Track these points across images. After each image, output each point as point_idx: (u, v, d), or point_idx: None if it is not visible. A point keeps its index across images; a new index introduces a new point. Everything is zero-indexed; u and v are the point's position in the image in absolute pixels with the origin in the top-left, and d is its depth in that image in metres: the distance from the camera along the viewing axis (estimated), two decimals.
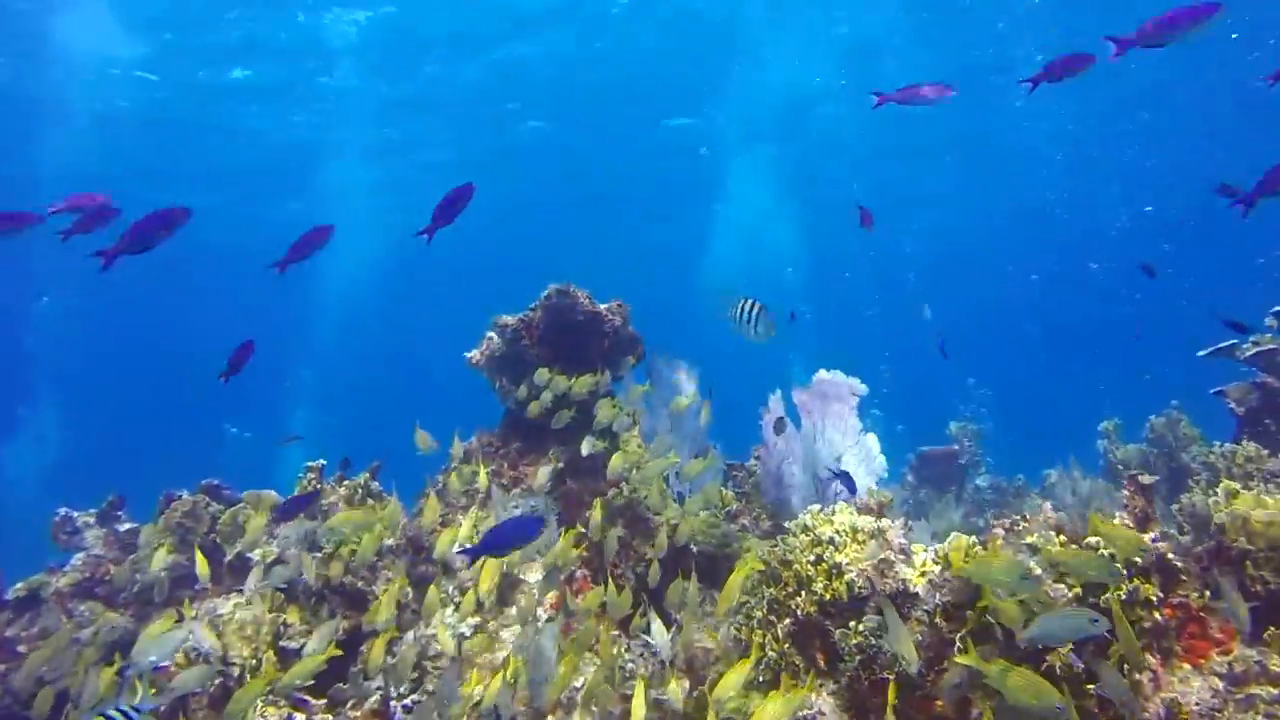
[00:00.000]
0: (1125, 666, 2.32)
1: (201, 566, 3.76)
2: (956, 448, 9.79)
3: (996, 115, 14.80)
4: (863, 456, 4.81)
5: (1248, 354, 4.63)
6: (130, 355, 21.84)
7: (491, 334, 5.16)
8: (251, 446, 22.29)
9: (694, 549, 4.15)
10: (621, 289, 4.94)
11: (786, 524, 4.45)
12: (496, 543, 2.77)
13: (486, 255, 20.54)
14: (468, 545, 3.59)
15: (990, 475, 9.84)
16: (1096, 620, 2.14)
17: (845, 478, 4.18)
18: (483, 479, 4.36)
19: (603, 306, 4.61)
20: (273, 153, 15.43)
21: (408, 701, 3.46)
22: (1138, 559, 2.51)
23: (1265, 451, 4.09)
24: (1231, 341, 4.95)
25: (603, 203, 18.75)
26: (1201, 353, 5.23)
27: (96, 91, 12.94)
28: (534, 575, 3.94)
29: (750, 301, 3.13)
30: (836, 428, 4.76)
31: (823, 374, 5.00)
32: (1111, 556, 2.47)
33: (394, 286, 22.13)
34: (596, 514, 3.96)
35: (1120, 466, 7.89)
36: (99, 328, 20.06)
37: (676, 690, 3.21)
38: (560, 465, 4.53)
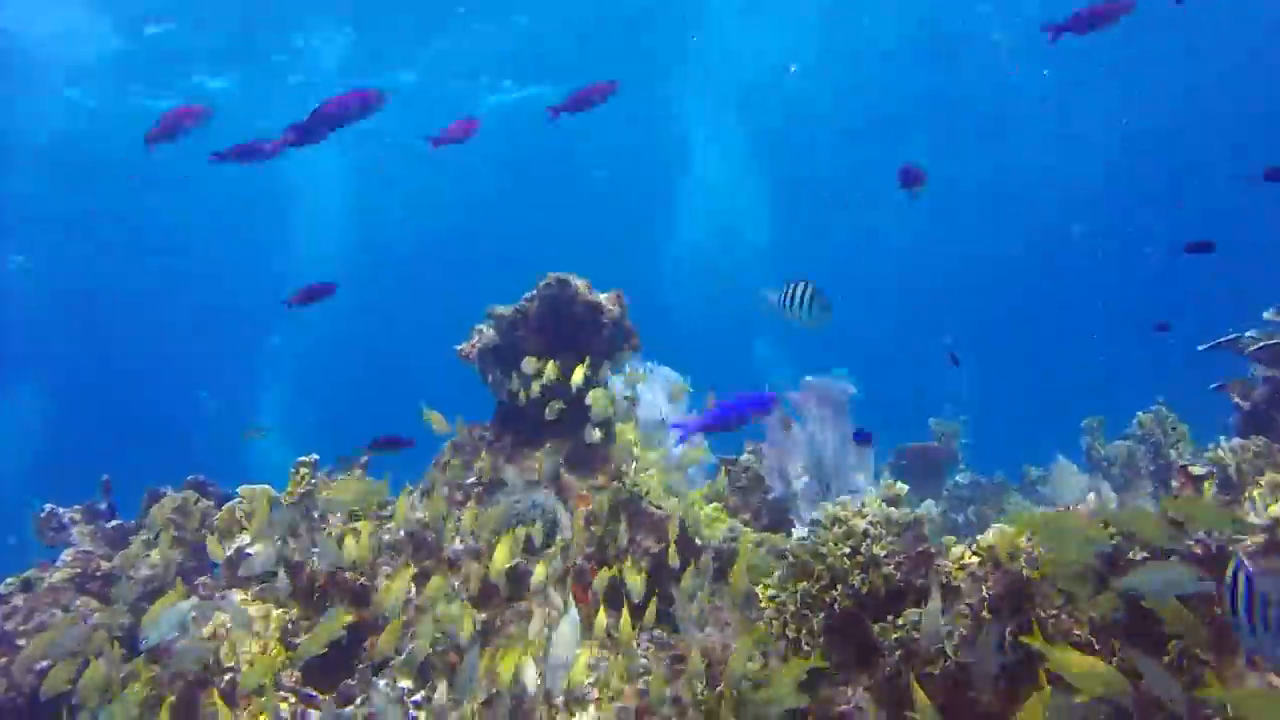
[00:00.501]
0: (1184, 661, 2.27)
1: (214, 547, 3.66)
2: (937, 444, 9.80)
3: (974, 81, 14.68)
4: (858, 456, 4.78)
5: (1252, 348, 4.63)
6: (105, 326, 21.28)
7: (482, 326, 5.05)
8: (226, 415, 22.06)
9: (699, 543, 4.06)
10: (586, 269, 4.85)
11: (799, 519, 4.40)
12: (726, 416, 2.55)
13: (450, 238, 20.33)
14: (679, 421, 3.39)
15: (970, 472, 9.87)
16: (1202, 578, 2.07)
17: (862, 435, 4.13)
18: (485, 468, 4.26)
19: (602, 296, 4.50)
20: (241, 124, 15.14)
21: (418, 698, 3.35)
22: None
23: (1278, 446, 4.09)
24: (1234, 335, 4.95)
25: (567, 183, 18.52)
26: (1202, 346, 5.24)
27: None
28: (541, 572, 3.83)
29: (801, 284, 3.00)
30: (835, 427, 4.73)
31: (810, 379, 4.98)
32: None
33: (365, 272, 21.87)
34: (603, 504, 3.89)
35: (1105, 463, 7.94)
36: (74, 293, 19.41)
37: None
38: (560, 459, 4.43)
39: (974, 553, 2.69)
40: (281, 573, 3.70)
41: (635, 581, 3.53)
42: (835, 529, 2.85)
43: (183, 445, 24.38)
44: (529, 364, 4.47)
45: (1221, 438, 5.27)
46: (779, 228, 18.90)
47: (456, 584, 3.71)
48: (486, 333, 4.82)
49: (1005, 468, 9.55)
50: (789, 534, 4.29)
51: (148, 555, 4.03)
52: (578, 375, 4.37)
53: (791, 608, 2.81)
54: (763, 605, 3.33)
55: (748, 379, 4.89)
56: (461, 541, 3.89)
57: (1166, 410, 7.62)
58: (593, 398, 4.33)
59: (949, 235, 20.72)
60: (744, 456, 5.66)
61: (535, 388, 4.31)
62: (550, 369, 4.40)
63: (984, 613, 2.49)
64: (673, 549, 3.82)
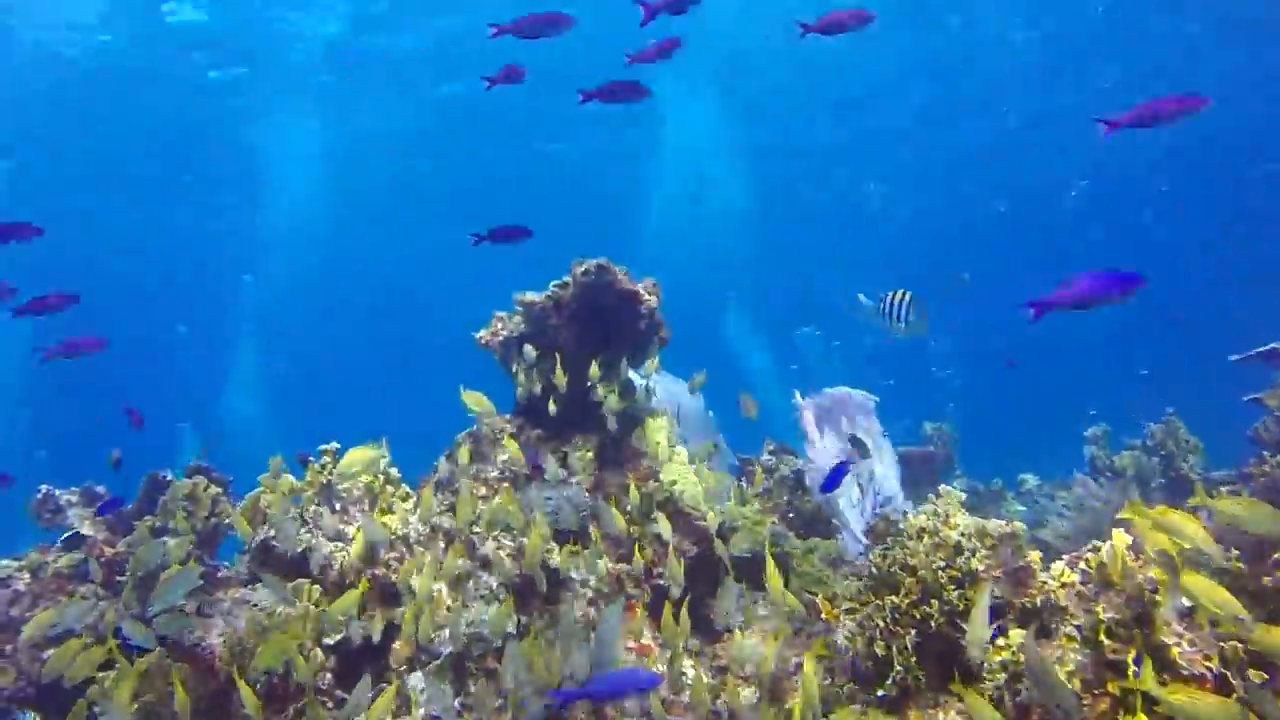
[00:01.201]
0: None
1: (242, 524, 3.43)
2: (933, 449, 9.70)
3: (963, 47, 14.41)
4: (885, 463, 4.67)
5: None
6: (86, 258, 20.79)
7: (503, 314, 4.84)
8: (202, 346, 21.57)
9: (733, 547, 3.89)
10: (561, 248, 4.67)
11: (845, 526, 4.25)
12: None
13: (423, 209, 20.00)
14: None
15: (966, 478, 9.79)
16: None
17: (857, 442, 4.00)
18: (514, 450, 4.05)
19: (639, 285, 4.31)
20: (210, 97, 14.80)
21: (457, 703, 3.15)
22: None
23: None
24: (1272, 346, 4.87)
25: (538, 158, 18.23)
26: (1234, 357, 5.16)
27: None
28: (579, 574, 3.64)
29: (899, 292, 2.87)
30: (865, 434, 4.60)
31: (831, 390, 4.87)
32: None
33: (337, 231, 21.50)
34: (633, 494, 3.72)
35: (1110, 474, 7.86)
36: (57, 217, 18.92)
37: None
38: (591, 454, 4.23)
39: (1079, 568, 2.55)
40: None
41: (677, 572, 3.37)
42: (925, 540, 2.69)
43: (162, 375, 23.73)
44: (529, 353, 4.30)
45: (1265, 452, 5.20)
46: (755, 197, 18.67)
47: (495, 584, 3.51)
48: (511, 320, 4.61)
49: (994, 472, 9.47)
50: (832, 539, 4.14)
51: (164, 545, 3.79)
52: (593, 370, 4.19)
53: (881, 623, 2.65)
54: (831, 617, 3.18)
55: (719, 349, 4.75)
56: (496, 539, 3.69)
57: (1178, 421, 7.56)
58: (606, 398, 4.15)
59: (933, 209, 20.40)
60: (764, 457, 5.51)
61: (534, 382, 4.12)
62: (594, 370, 4.21)
63: (1100, 637, 2.34)
64: (720, 544, 3.65)
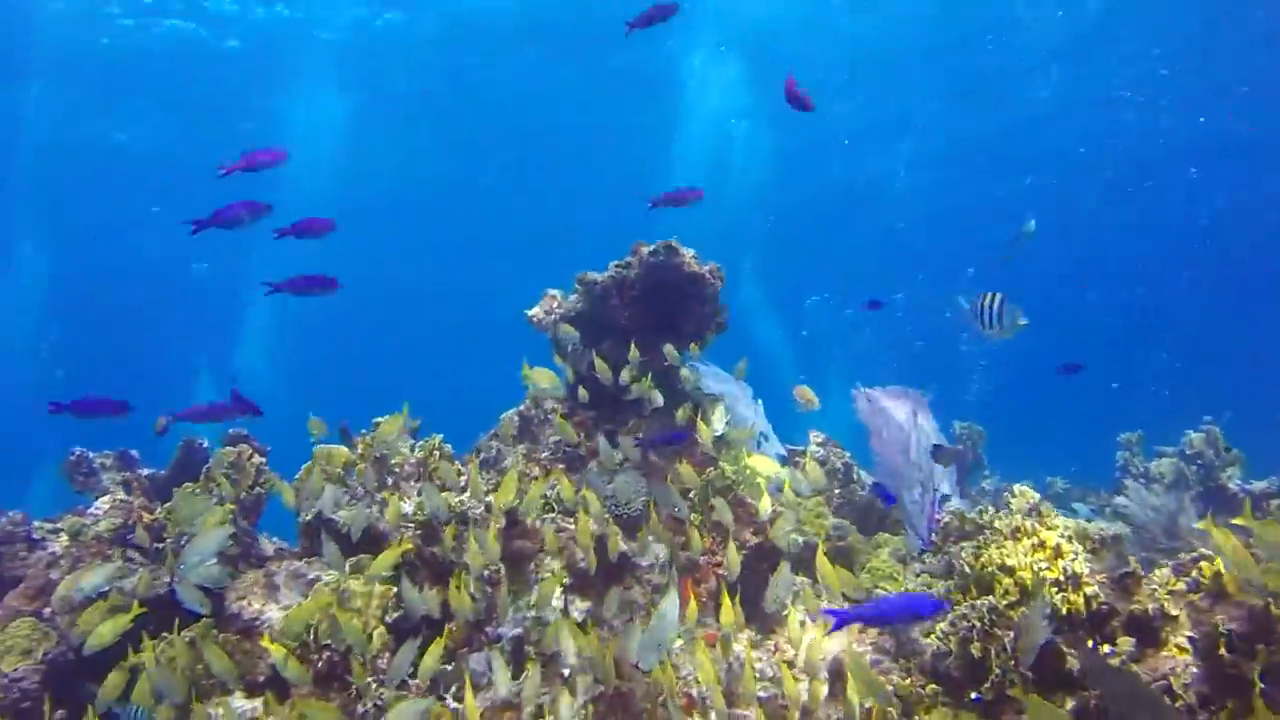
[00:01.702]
0: None
1: (288, 494, 3.36)
2: (962, 448, 9.59)
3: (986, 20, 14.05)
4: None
5: None
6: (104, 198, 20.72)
7: (555, 291, 4.74)
8: (217, 281, 21.42)
9: (790, 541, 3.79)
10: (578, 231, 4.60)
11: (909, 523, 4.16)
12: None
13: (442, 180, 19.87)
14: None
15: (994, 478, 9.68)
16: None
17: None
18: (568, 431, 3.96)
19: (705, 268, 4.20)
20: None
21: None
22: None
23: None
24: None
25: (555, 138, 18.08)
26: None
27: None
28: (644, 559, 3.56)
29: (991, 295, 2.78)
30: (915, 435, 4.49)
31: (883, 389, 4.78)
32: None
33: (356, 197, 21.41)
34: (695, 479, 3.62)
35: (1147, 480, 7.75)
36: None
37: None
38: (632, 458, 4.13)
39: (1188, 577, 2.45)
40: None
41: (734, 559, 3.29)
42: (1023, 540, 2.60)
43: (177, 311, 23.55)
44: (566, 330, 4.23)
45: None
46: (777, 169, 18.46)
47: (557, 566, 3.43)
48: (568, 300, 4.50)
49: (1020, 474, 9.37)
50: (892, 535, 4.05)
51: (204, 505, 3.71)
52: (634, 353, 4.09)
53: (977, 623, 2.56)
54: None
55: (737, 322, 4.64)
56: (555, 521, 3.60)
57: (1217, 430, 7.45)
58: (641, 388, 4.04)
59: (954, 187, 20.07)
60: (813, 448, 5.42)
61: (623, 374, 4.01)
62: (633, 353, 4.11)
63: (1220, 650, 2.24)
64: (777, 530, 3.56)
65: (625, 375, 3.99)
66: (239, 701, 3.11)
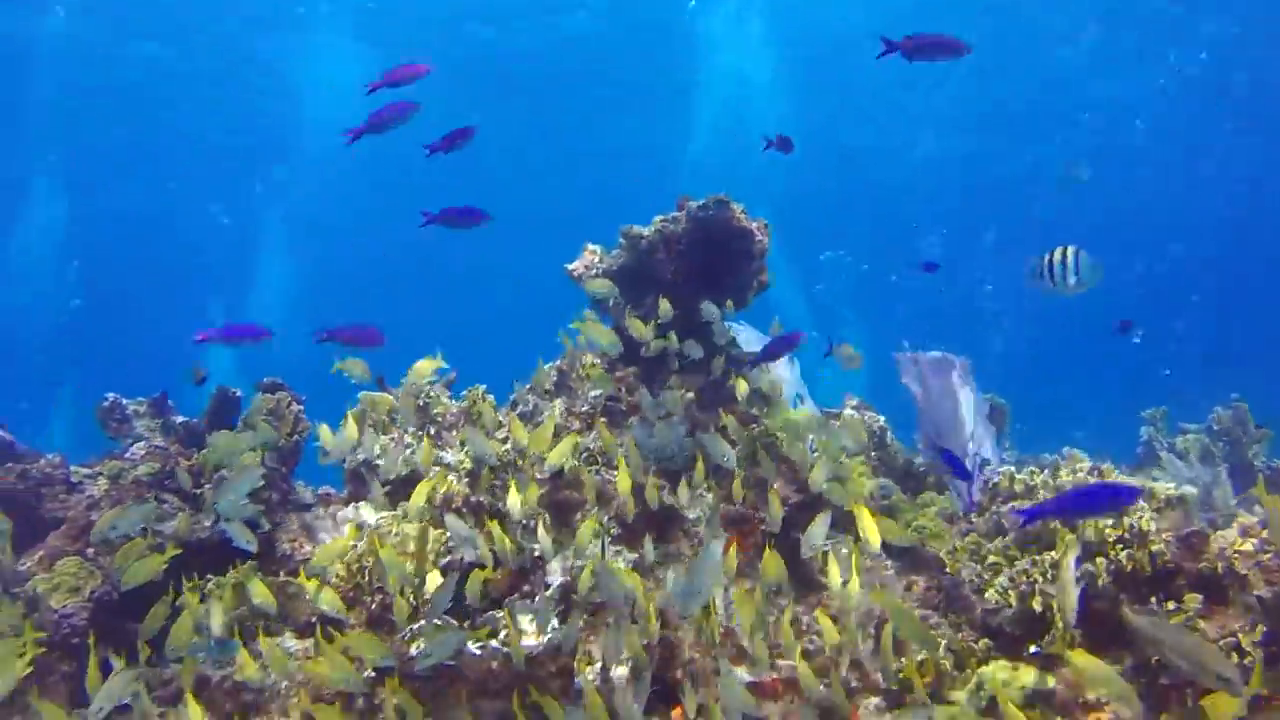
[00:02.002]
0: None
1: (326, 436, 3.36)
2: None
3: None
4: (983, 424, 4.55)
5: None
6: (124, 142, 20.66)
7: (595, 246, 4.71)
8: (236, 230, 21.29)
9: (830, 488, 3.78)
10: (595, 195, 4.55)
11: (952, 485, 4.15)
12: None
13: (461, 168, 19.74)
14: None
15: (1015, 450, 9.65)
16: None
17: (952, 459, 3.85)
18: (607, 382, 3.93)
19: (754, 224, 4.16)
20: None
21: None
22: None
23: None
24: None
25: (579, 92, 17.92)
26: None
27: None
28: (691, 512, 3.56)
29: (1064, 249, 2.72)
30: (963, 399, 4.47)
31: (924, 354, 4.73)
32: None
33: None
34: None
35: (1173, 455, 7.71)
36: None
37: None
38: (690, 395, 4.12)
39: (1254, 538, 2.44)
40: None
41: (776, 511, 3.29)
42: None
43: (193, 257, 23.54)
44: (599, 286, 4.20)
45: None
46: (798, 131, 18.23)
47: (605, 517, 3.43)
48: (609, 255, 4.47)
49: (1040, 445, 9.32)
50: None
51: (243, 442, 3.72)
52: (664, 307, 4.07)
53: (1039, 578, 2.55)
54: (954, 570, 3.09)
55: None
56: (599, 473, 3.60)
57: (1244, 407, 7.40)
58: (660, 344, 4.01)
59: (980, 154, 19.75)
60: (847, 411, 5.40)
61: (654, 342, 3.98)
62: (664, 307, 4.09)
63: None
64: (816, 477, 3.53)
65: (647, 333, 3.93)
66: (289, 642, 3.14)
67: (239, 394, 5.39)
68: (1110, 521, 2.53)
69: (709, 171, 18.79)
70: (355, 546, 3.10)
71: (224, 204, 22.10)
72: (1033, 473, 3.29)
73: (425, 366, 3.90)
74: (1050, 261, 2.74)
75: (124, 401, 5.16)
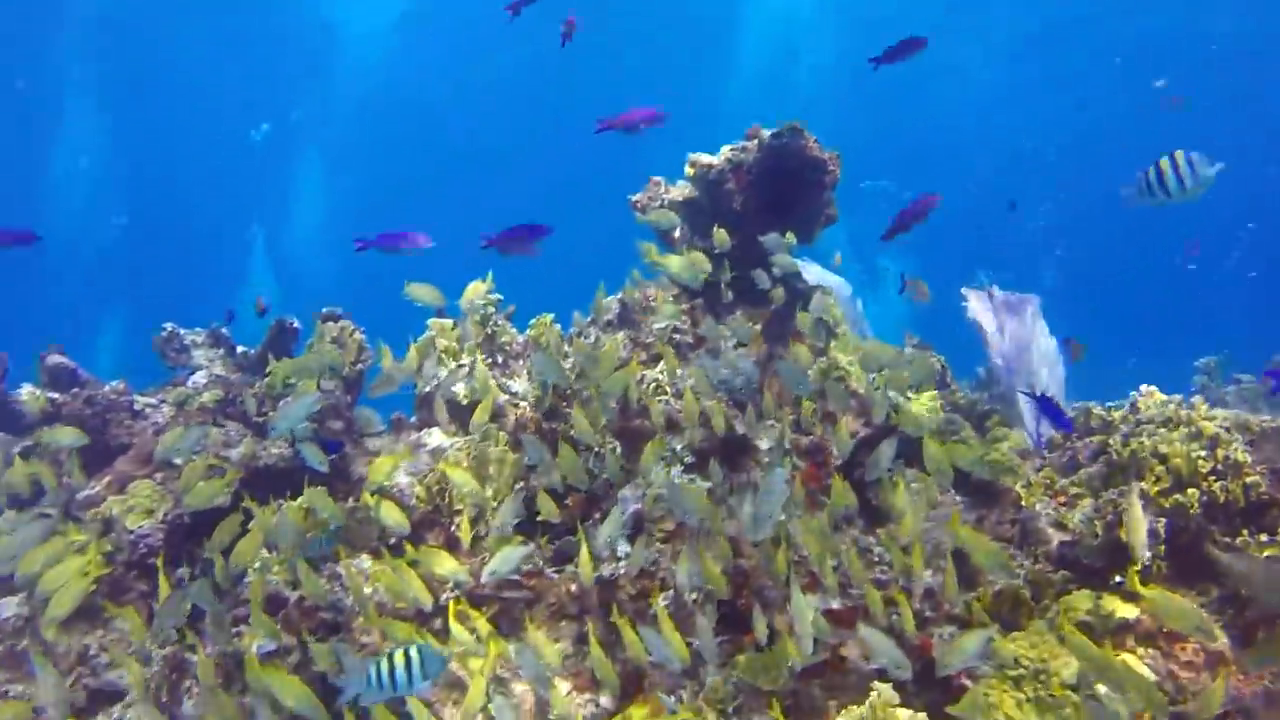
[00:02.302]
0: None
1: (387, 360, 3.42)
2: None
3: None
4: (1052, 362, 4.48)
5: None
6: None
7: (660, 178, 4.64)
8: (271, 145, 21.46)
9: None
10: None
11: (1021, 422, 4.11)
12: None
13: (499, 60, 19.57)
14: None
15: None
16: None
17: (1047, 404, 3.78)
18: (673, 311, 3.90)
19: (827, 154, 4.07)
20: None
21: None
22: None
23: None
24: None
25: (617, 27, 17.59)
26: None
27: None
28: (763, 441, 3.55)
29: (1173, 154, 2.59)
30: (1036, 339, 4.40)
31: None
32: None
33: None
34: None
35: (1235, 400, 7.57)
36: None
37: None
38: (759, 328, 4.08)
39: None
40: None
41: (845, 440, 3.29)
42: (1179, 429, 2.54)
43: (233, 178, 23.67)
44: (663, 217, 4.14)
45: None
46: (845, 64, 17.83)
47: (678, 446, 3.43)
48: (674, 185, 4.41)
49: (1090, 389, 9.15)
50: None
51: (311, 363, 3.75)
52: (721, 237, 4.00)
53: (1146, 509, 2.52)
54: (1029, 503, 3.07)
55: None
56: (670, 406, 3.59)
57: None
58: (759, 278, 3.95)
59: (1029, 83, 19.16)
60: (908, 351, 5.34)
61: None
62: (720, 236, 4.03)
63: None
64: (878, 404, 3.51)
65: (689, 267, 3.86)
66: (364, 562, 3.19)
67: (297, 325, 5.43)
68: (1203, 452, 2.48)
69: (751, 110, 18.41)
70: (431, 471, 3.12)
71: (262, 124, 22.04)
72: (1111, 409, 3.24)
73: (478, 288, 3.87)
74: (1159, 170, 2.60)
75: (181, 331, 5.22)
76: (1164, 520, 2.49)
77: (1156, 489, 2.53)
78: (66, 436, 3.60)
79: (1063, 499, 3.07)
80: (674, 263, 3.67)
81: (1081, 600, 2.52)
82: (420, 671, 2.19)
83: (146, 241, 20.71)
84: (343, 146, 21.65)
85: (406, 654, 2.20)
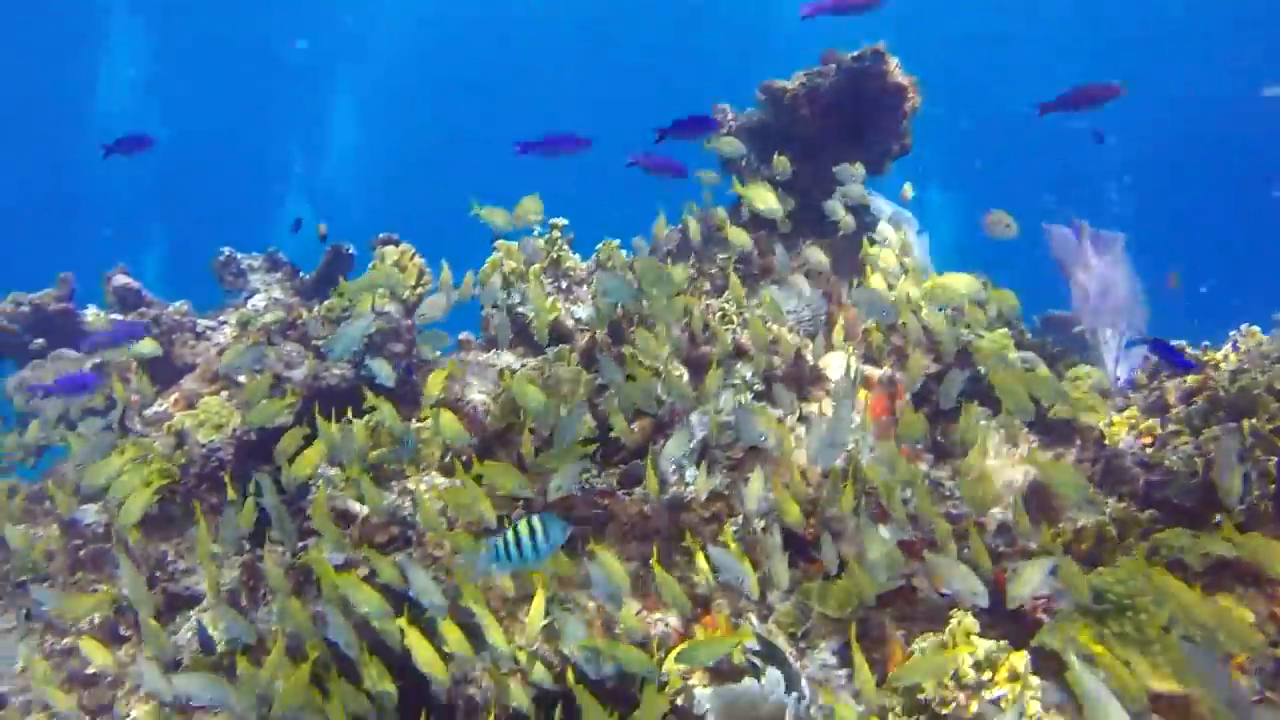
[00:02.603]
0: None
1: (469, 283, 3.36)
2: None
3: None
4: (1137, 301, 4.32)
5: None
6: None
7: (726, 105, 4.51)
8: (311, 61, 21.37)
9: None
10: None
11: (1101, 362, 3.99)
12: None
13: None
14: None
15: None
16: None
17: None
18: (741, 238, 3.81)
19: (908, 79, 3.92)
20: None
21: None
22: None
23: None
24: None
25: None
26: None
27: None
28: (834, 370, 3.48)
29: None
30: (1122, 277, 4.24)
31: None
32: None
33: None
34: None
35: None
36: None
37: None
38: (828, 260, 3.98)
39: None
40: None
41: (916, 370, 3.21)
42: None
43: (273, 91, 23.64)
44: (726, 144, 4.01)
45: None
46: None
47: (749, 374, 3.37)
48: (744, 113, 4.28)
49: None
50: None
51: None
52: (782, 164, 3.87)
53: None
54: (1113, 441, 2.98)
55: None
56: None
57: None
58: (833, 209, 3.83)
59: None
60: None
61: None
62: (781, 163, 3.91)
63: None
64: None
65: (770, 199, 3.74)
66: (435, 477, 3.18)
67: (352, 250, 5.42)
68: None
69: (802, 47, 17.96)
70: (504, 389, 3.09)
71: (299, 40, 21.92)
72: (1206, 349, 3.13)
73: (531, 204, 3.78)
74: None
75: (239, 255, 5.24)
76: (1275, 459, 2.40)
77: (1269, 426, 2.42)
78: (146, 348, 3.63)
79: (1149, 438, 2.97)
80: (757, 194, 3.55)
81: (1176, 538, 2.44)
82: (545, 540, 2.20)
83: (187, 159, 20.77)
84: (385, 69, 21.49)
85: (530, 524, 2.20)
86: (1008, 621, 2.70)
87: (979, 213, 4.54)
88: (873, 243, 3.95)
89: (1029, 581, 2.37)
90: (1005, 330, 3.79)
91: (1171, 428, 2.73)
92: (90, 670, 3.29)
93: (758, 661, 2.67)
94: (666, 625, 2.76)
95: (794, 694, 2.40)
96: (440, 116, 25.10)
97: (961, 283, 3.42)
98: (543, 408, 2.82)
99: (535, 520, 2.22)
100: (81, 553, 3.73)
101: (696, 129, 3.49)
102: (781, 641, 2.76)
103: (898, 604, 2.89)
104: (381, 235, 5.08)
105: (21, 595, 3.70)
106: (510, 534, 2.21)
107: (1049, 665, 2.49)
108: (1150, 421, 2.98)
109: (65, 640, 3.44)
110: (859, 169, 3.83)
